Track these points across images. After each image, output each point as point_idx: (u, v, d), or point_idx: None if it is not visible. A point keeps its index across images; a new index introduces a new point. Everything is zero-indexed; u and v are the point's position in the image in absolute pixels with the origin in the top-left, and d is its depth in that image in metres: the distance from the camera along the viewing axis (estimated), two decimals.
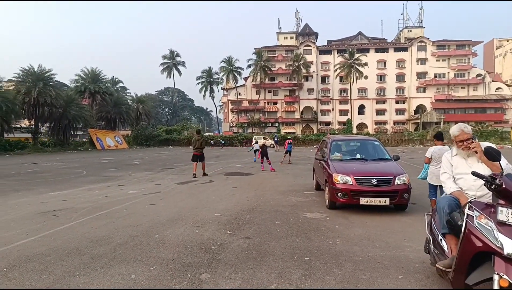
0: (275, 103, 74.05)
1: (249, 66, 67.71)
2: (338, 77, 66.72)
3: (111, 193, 9.36)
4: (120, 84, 67.31)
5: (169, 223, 5.94)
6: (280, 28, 78.88)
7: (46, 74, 39.46)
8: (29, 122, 44.34)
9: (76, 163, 20.58)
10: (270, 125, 72.59)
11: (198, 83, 74.47)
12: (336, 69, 64.23)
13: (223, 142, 51.56)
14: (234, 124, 72.31)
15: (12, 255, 4.35)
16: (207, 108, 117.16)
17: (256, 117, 70.88)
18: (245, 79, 73.98)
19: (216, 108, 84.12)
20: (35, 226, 5.79)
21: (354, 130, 63.24)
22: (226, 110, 78.78)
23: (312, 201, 8.03)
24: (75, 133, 50.86)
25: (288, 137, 41.94)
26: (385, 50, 70.85)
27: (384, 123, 70.01)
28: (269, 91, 74.06)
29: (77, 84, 48.57)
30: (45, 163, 20.66)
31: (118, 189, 10.15)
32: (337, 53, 70.16)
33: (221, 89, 78.67)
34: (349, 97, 66.28)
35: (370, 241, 4.98)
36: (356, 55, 62.07)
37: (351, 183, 6.66)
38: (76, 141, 50.08)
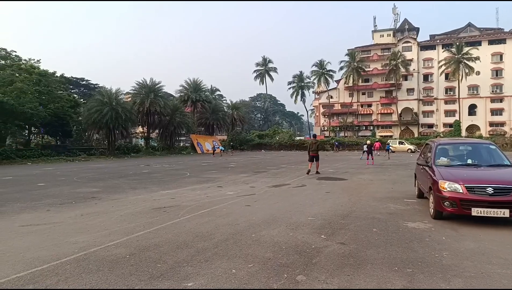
0: (369, 105, 70.65)
1: (341, 68, 66.01)
2: (443, 75, 60.54)
3: (211, 193, 10.09)
4: (218, 92, 72.05)
5: (264, 224, 6.15)
6: (376, 26, 75.23)
7: (156, 86, 44.55)
8: (143, 129, 50.47)
9: (181, 166, 22.69)
10: (364, 128, 69.48)
11: (290, 88, 75.39)
12: (441, 66, 58.31)
13: (337, 144, 49.79)
14: (326, 128, 71.14)
15: (133, 244, 5.02)
16: (298, 113, 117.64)
17: (349, 120, 68.56)
18: (337, 81, 72.28)
19: (307, 112, 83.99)
20: (150, 220, 6.59)
21: (464, 133, 56.36)
22: (317, 114, 78.04)
23: (414, 210, 7.45)
24: (179, 138, 56.15)
25: (376, 140, 40.08)
26: (501, 41, 61.74)
27: (502, 124, 60.91)
28: (363, 93, 71.00)
29: (181, 94, 53.67)
30: (156, 165, 23.26)
31: (217, 190, 10.89)
32: (442, 48, 63.78)
33: (313, 93, 78.30)
34: (456, 96, 59.47)
35: (485, 256, 4.41)
36: (465, 49, 55.47)
37: (460, 191, 5.99)
38: (180, 146, 55.12)
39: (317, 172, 15.54)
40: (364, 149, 25.82)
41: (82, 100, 47.55)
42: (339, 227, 5.95)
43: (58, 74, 41.88)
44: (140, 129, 52.75)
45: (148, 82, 44.50)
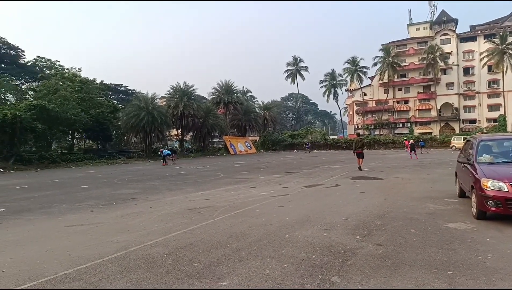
0: (406, 101, 68.24)
1: (375, 64, 64.34)
2: (486, 67, 57.33)
3: (244, 194, 10.19)
4: (249, 94, 72.38)
5: (298, 225, 6.12)
6: (411, 19, 72.72)
7: (189, 90, 45.61)
8: (177, 131, 51.83)
9: (214, 167, 23.07)
10: (401, 125, 67.14)
11: (322, 87, 74.51)
12: (483, 58, 55.25)
13: (308, 145, 48.55)
14: (360, 126, 69.45)
15: (170, 244, 5.18)
16: (330, 111, 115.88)
17: (384, 117, 66.54)
18: (371, 78, 70.43)
19: (340, 110, 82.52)
20: (185, 220, 6.77)
21: (510, 128, 52.96)
22: (350, 112, 76.45)
23: (455, 210, 7.11)
24: (213, 140, 57.11)
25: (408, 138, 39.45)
26: None
27: None
28: (399, 89, 68.72)
29: (213, 96, 54.59)
30: (190, 167, 23.81)
31: (250, 190, 10.97)
32: (484, 39, 60.41)
33: (345, 91, 76.81)
34: (501, 89, 56.08)
35: None
36: (510, 39, 52.16)
37: (506, 190, 5.65)
38: (214, 147, 56.04)
39: (360, 168, 16.54)
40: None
41: (120, 105, 49.65)
42: (375, 227, 5.81)
43: (97, 81, 44.03)
44: (174, 131, 54.19)
45: (181, 86, 45.67)
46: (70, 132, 38.85)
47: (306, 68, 78.35)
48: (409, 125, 66.12)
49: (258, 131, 61.94)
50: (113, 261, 4.46)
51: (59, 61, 44.80)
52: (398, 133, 62.83)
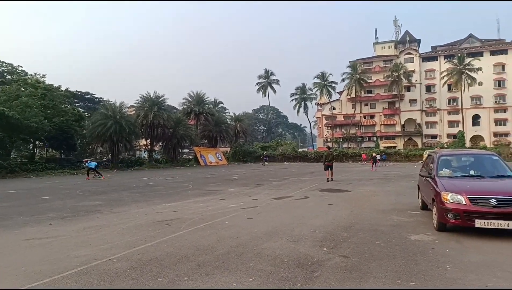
0: (372, 116, 70.74)
1: (343, 80, 66.36)
2: (446, 85, 60.66)
3: (213, 205, 10.08)
4: (221, 105, 72.44)
5: (266, 237, 6.12)
6: (377, 38, 75.92)
7: (160, 99, 44.89)
8: (146, 141, 50.66)
9: (184, 178, 22.69)
10: (367, 139, 69.38)
11: (292, 100, 75.77)
12: (443, 77, 58.51)
13: (265, 158, 49.38)
14: (329, 139, 71.08)
15: (135, 258, 5.01)
16: (301, 124, 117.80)
17: (352, 131, 68.55)
18: (340, 93, 72.57)
19: (310, 123, 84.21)
20: (152, 233, 6.58)
21: (468, 144, 56.12)
22: (320, 126, 78.15)
23: (417, 222, 7.39)
24: (183, 151, 56.20)
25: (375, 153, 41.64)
26: (503, 52, 62.11)
27: (506, 134, 60.66)
28: (366, 104, 71.18)
29: (184, 106, 54.00)
30: (159, 178, 23.28)
31: (219, 202, 10.87)
32: (444, 59, 64.07)
33: (315, 104, 78.54)
34: (460, 107, 59.47)
35: (490, 269, 4.36)
36: (467, 60, 55.79)
37: (464, 202, 5.95)
38: (184, 158, 55.21)
39: (332, 179, 17.44)
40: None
41: (87, 113, 47.95)
42: (342, 239, 5.91)
43: (63, 88, 42.34)
44: (143, 142, 52.93)
45: (151, 95, 44.87)
46: (32, 140, 36.93)
47: (277, 82, 79.57)
48: (375, 139, 68.42)
49: (229, 142, 61.77)
50: (73, 276, 4.25)
51: (21, 66, 42.80)
52: (365, 147, 64.80)
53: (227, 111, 76.09)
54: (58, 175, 29.38)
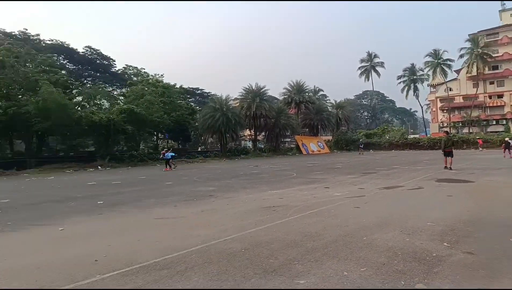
0: (500, 96, 60.80)
1: (461, 56, 58.24)
2: None
3: (318, 194, 10.07)
4: (321, 93, 71.23)
5: (376, 228, 5.86)
6: (504, 4, 64.30)
7: (261, 90, 46.48)
8: (250, 131, 53.19)
9: (287, 166, 23.18)
10: (494, 123, 59.94)
11: (400, 83, 70.00)
12: None
13: (361, 145, 44.86)
14: (445, 124, 63.69)
15: (247, 240, 5.36)
16: (410, 109, 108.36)
17: (474, 114, 60.06)
18: (457, 72, 64.09)
19: (421, 107, 76.78)
20: (260, 218, 6.93)
21: None
22: (434, 109, 70.58)
23: None
24: (284, 140, 57.35)
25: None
26: None
27: None
28: (491, 83, 61.47)
29: (285, 96, 54.84)
30: (264, 166, 24.26)
31: (324, 191, 10.80)
32: None
33: (427, 86, 71.04)
34: None
35: None
36: None
37: None
38: (286, 147, 56.28)
39: (451, 168, 15.97)
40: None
41: (198, 107, 52.60)
42: (465, 234, 5.30)
43: (177, 86, 47.26)
44: (248, 132, 55.69)
45: (253, 87, 46.76)
46: (155, 133, 42.35)
47: (381, 64, 74.60)
48: (504, 122, 58.72)
49: (331, 131, 60.52)
50: (196, 252, 4.77)
51: (144, 68, 49.13)
52: (491, 131, 56.20)
53: (327, 98, 74.47)
54: (178, 163, 33.05)
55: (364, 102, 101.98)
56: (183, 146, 46.92)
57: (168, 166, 23.99)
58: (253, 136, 51.54)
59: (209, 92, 64.64)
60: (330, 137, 62.27)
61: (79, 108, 31.10)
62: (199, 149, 50.24)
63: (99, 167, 28.26)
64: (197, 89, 65.72)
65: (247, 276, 3.84)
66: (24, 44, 35.63)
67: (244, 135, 57.82)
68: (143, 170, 24.65)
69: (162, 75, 46.13)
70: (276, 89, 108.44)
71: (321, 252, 4.62)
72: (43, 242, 5.82)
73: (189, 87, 60.02)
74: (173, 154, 25.41)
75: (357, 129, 74.03)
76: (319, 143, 52.68)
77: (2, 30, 39.84)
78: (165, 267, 4.23)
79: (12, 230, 6.79)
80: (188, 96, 59.99)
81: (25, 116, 27.85)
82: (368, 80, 75.64)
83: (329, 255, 4.49)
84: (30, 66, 31.68)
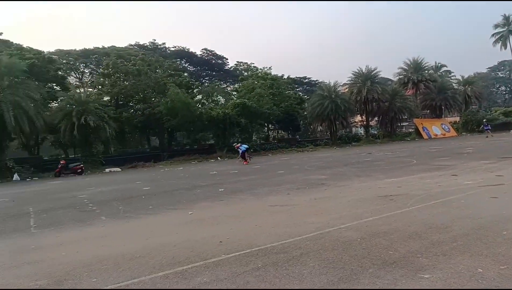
0: None
1: None
2: None
3: (443, 182, 9.06)
4: (444, 68, 63.11)
5: None
6: None
7: (372, 73, 43.72)
8: (361, 117, 50.74)
9: (405, 153, 21.42)
10: None
11: None
12: None
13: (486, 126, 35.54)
14: None
15: (363, 229, 5.20)
16: None
17: None
18: None
19: None
20: (376, 207, 6.62)
21: None
22: None
23: None
24: (401, 124, 52.91)
25: None
26: None
27: None
28: None
29: (400, 76, 50.41)
30: (378, 153, 22.94)
31: (451, 178, 9.65)
32: None
33: None
34: None
35: None
36: None
37: None
38: (403, 132, 51.96)
39: None
40: None
41: (305, 96, 52.61)
42: None
43: (285, 77, 48.11)
44: (358, 118, 53.25)
45: (363, 70, 44.28)
46: (266, 124, 44.09)
47: None
48: None
49: (458, 111, 53.21)
50: (310, 239, 4.85)
51: (253, 63, 51.45)
52: None
53: (452, 74, 65.45)
54: (288, 152, 33.90)
55: (501, 75, 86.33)
56: (293, 136, 47.69)
57: (244, 159, 23.17)
58: (364, 122, 49.00)
59: (316, 80, 63.89)
60: (457, 118, 54.85)
61: (199, 106, 34.50)
62: (309, 138, 50.35)
63: (218, 158, 30.95)
64: (305, 78, 65.63)
65: (364, 266, 3.74)
66: (153, 53, 41.22)
67: (355, 122, 55.41)
68: (257, 160, 25.99)
69: (270, 67, 47.60)
70: (389, 71, 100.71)
71: (449, 246, 4.18)
72: (177, 224, 6.71)
73: (296, 77, 60.44)
74: (247, 146, 24.59)
75: (492, 107, 63.35)
76: (443, 126, 47.03)
77: (137, 43, 46.88)
78: (282, 252, 4.42)
79: (153, 213, 8.00)
80: (296, 85, 60.42)
81: (157, 115, 32.41)
82: (505, 48, 63.66)
83: (458, 250, 4.04)
84: (159, 71, 36.48)
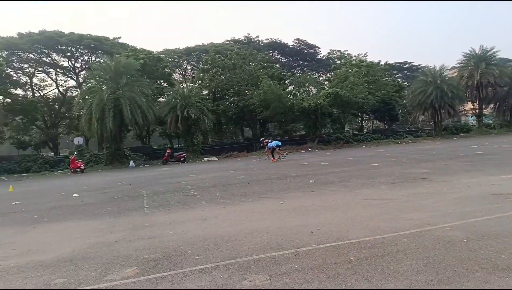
0: None
1: None
2: None
3: None
4: None
5: None
6: None
7: (488, 54, 38.11)
8: (473, 105, 44.86)
9: None
10: None
11: None
12: None
13: None
14: None
15: (470, 229, 4.69)
16: None
17: None
18: None
19: None
20: (488, 206, 5.88)
21: None
22: None
23: None
24: None
25: None
26: None
27: None
28: None
29: None
30: (492, 146, 20.11)
31: None
32: None
33: None
34: None
35: None
36: None
37: None
38: None
39: None
40: None
41: (406, 83, 48.63)
42: None
43: (382, 63, 45.14)
44: (469, 105, 47.15)
45: (477, 51, 38.88)
46: (359, 114, 42.16)
47: None
48: None
49: None
50: (408, 236, 4.58)
51: (347, 51, 49.41)
52: None
53: None
54: (384, 144, 31.96)
55: None
56: (390, 126, 44.59)
57: (272, 156, 21.10)
58: (477, 110, 43.19)
59: (418, 65, 58.44)
60: None
61: (291, 96, 34.64)
62: (408, 129, 46.52)
63: (309, 149, 30.80)
64: (405, 63, 60.55)
65: (470, 269, 3.40)
66: (247, 47, 42.72)
67: (465, 110, 49.22)
68: (349, 152, 25.13)
69: (365, 54, 45.26)
70: (508, 50, 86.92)
71: None
72: (269, 211, 6.97)
73: (395, 62, 56.24)
74: (278, 142, 22.05)
75: None
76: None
77: (232, 38, 49.18)
78: (375, 247, 4.28)
79: (247, 200, 8.43)
80: (395, 72, 56.24)
81: (251, 107, 33.64)
82: None
83: None
84: (253, 64, 37.68)
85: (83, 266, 4.38)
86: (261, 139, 25.79)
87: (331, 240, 4.66)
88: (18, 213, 9.01)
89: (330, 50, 53.97)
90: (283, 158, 21.20)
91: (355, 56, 46.33)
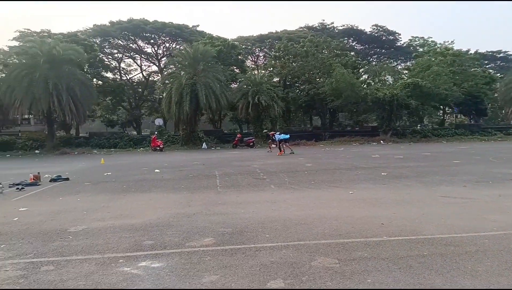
0: None
1: None
2: None
3: None
4: None
5: None
6: None
7: None
8: None
9: None
10: None
11: None
12: None
13: None
14: None
15: None
16: None
17: None
18: None
19: None
20: None
21: None
22: None
23: None
24: None
25: None
26: None
27: None
28: None
29: None
30: None
31: None
32: None
33: None
34: None
35: None
36: None
37: None
38: None
39: None
40: None
41: (498, 75, 43.49)
42: None
43: (471, 52, 40.81)
44: None
45: None
46: (441, 107, 38.88)
47: None
48: None
49: None
50: (490, 238, 4.30)
51: (431, 37, 45.52)
52: None
53: None
54: (468, 140, 29.28)
55: None
56: (476, 121, 40.39)
57: (279, 149, 20.10)
58: None
59: None
60: None
61: (364, 86, 33.20)
62: (497, 125, 41.71)
63: (381, 141, 29.42)
64: (499, 52, 53.95)
65: None
66: (321, 34, 41.73)
67: None
68: (427, 147, 23.50)
69: (452, 41, 41.13)
70: None
71: None
72: (337, 200, 6.97)
73: (487, 51, 50.42)
74: (286, 136, 20.67)
75: None
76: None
77: (306, 25, 48.39)
78: (452, 244, 4.10)
79: (315, 187, 8.50)
80: (486, 62, 50.49)
81: (321, 96, 33.03)
82: None
83: None
84: (325, 52, 36.77)
85: (167, 232, 4.91)
86: (270, 133, 23.28)
87: (403, 233, 4.57)
88: (109, 183, 10.21)
89: (411, 36, 50.29)
90: (290, 153, 19.56)
91: (440, 43, 42.47)
